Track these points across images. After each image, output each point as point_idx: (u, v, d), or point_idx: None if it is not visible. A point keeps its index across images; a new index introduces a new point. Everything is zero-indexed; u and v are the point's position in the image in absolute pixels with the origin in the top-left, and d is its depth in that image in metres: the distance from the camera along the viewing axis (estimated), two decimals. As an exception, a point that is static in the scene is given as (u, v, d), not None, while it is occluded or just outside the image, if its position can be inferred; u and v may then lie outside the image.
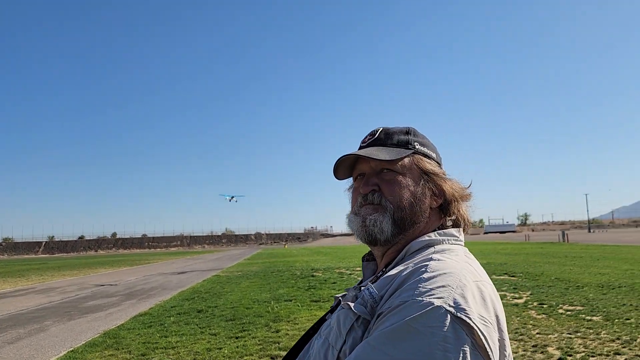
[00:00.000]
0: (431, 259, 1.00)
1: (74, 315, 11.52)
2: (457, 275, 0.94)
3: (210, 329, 8.49)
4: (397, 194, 1.11)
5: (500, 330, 0.95)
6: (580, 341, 6.58)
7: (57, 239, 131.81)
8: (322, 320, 1.19)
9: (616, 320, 7.75)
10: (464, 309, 0.87)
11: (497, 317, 0.95)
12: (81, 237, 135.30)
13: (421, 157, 1.17)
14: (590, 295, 10.38)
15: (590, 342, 6.53)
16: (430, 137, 1.25)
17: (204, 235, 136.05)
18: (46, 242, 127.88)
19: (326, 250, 53.06)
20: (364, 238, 1.13)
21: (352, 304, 0.99)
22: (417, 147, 1.17)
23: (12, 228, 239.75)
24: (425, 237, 1.11)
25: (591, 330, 7.14)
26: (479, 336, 0.87)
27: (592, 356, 5.88)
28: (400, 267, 1.02)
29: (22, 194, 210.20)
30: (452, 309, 0.87)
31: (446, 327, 0.85)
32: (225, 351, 6.84)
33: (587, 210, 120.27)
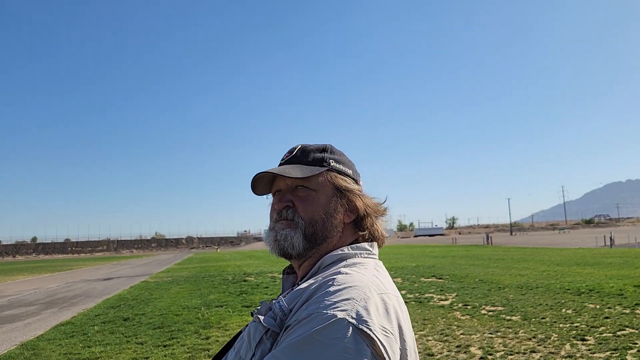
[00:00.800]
0: (339, 273, 1.04)
1: (-14, 326, 10.78)
2: (362, 288, 0.99)
3: (136, 338, 8.21)
4: (309, 210, 1.16)
5: (402, 340, 0.99)
6: (500, 340, 6.92)
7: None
8: (240, 332, 1.21)
9: (533, 319, 8.21)
10: (366, 321, 0.92)
11: (400, 327, 1.00)
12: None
13: (336, 174, 1.21)
14: (511, 296, 10.94)
15: (510, 341, 6.88)
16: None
17: (132, 240, 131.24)
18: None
19: (259, 254, 52.65)
20: (277, 252, 1.17)
21: (261, 317, 1.02)
22: (332, 164, 1.22)
23: None
24: (339, 251, 1.15)
25: (510, 330, 7.52)
26: (379, 347, 0.92)
27: (511, 354, 6.19)
28: (310, 281, 1.06)
29: None
30: (354, 321, 0.91)
31: (347, 339, 0.89)
32: (152, 360, 6.64)
33: (510, 214, 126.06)
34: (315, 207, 1.16)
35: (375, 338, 0.92)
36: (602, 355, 6.00)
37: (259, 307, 1.15)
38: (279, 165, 1.25)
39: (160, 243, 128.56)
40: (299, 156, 1.23)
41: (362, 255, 1.16)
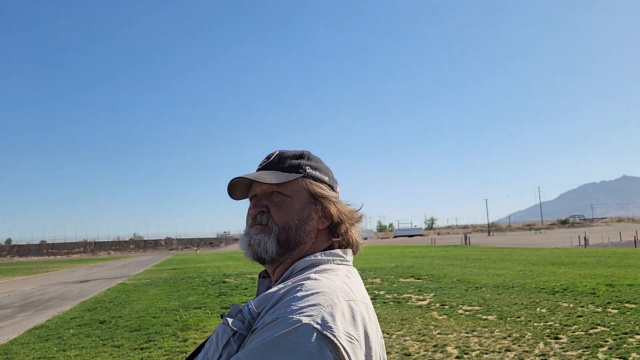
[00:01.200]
0: (308, 279, 1.06)
1: (-42, 330, 10.54)
2: (330, 294, 1.00)
3: (113, 341, 8.12)
4: (283, 216, 1.17)
5: (368, 347, 1.01)
6: (476, 339, 7.02)
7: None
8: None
9: (508, 318, 8.35)
10: (331, 327, 0.94)
11: (366, 334, 1.01)
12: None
13: (311, 180, 1.23)
14: (487, 295, 11.09)
15: (485, 340, 6.99)
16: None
17: (110, 241, 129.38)
18: None
19: (239, 255, 52.31)
20: (251, 257, 1.19)
21: (230, 320, 1.03)
22: (307, 170, 1.23)
23: None
24: (311, 257, 1.16)
25: (486, 329, 7.63)
26: (342, 353, 0.93)
27: (486, 353, 6.29)
28: (280, 285, 1.08)
29: None
30: (318, 327, 0.93)
31: (311, 344, 0.91)
32: (129, 363, 6.58)
33: (487, 215, 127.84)
34: (289, 213, 1.18)
35: (338, 344, 0.93)
36: (574, 353, 6.14)
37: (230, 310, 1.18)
38: (257, 170, 1.27)
39: (139, 244, 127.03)
40: (276, 162, 1.24)
41: (335, 261, 1.17)
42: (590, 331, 7.18)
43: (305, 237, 1.18)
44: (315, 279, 1.06)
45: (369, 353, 1.01)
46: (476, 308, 9.52)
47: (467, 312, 9.11)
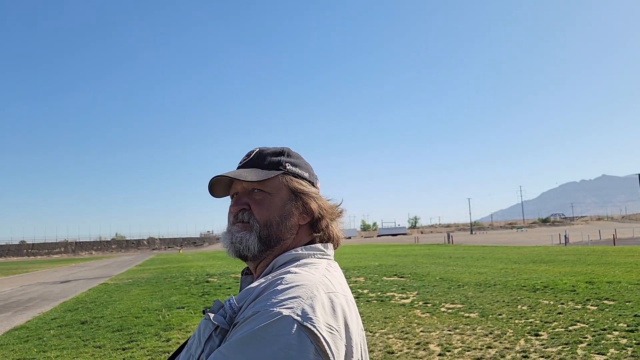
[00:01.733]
0: (288, 272, 1.08)
1: None
2: (309, 287, 1.02)
3: (94, 341, 8.04)
4: (264, 213, 1.19)
5: (348, 338, 1.02)
6: (458, 337, 7.09)
7: None
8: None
9: (490, 316, 8.45)
10: (311, 318, 0.96)
11: (346, 325, 1.03)
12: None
13: (292, 177, 1.24)
14: (470, 293, 11.21)
15: (467, 337, 7.06)
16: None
17: (92, 241, 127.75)
18: None
19: (222, 254, 52.07)
20: (233, 254, 1.21)
21: (211, 315, 1.05)
22: (288, 167, 1.24)
23: None
24: (292, 252, 1.18)
25: (468, 327, 7.71)
26: (323, 343, 0.95)
27: (468, 350, 6.36)
28: (261, 280, 1.10)
29: None
30: (299, 318, 0.95)
31: (291, 335, 0.93)
32: (111, 364, 6.52)
33: (470, 214, 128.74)
34: (270, 210, 1.19)
35: (319, 334, 0.95)
36: (554, 349, 6.23)
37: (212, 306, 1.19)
38: (237, 168, 1.28)
39: (121, 244, 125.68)
40: (256, 159, 1.25)
41: (316, 255, 1.19)
42: (570, 328, 7.29)
43: (286, 233, 1.20)
44: (295, 272, 1.08)
45: (349, 344, 1.02)
46: (458, 306, 9.62)
47: (449, 310, 9.20)
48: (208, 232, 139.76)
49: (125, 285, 18.77)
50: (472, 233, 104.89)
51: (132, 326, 9.16)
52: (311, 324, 0.95)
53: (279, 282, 1.04)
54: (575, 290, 10.72)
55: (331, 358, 0.96)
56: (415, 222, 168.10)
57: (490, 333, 7.22)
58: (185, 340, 1.24)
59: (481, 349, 6.39)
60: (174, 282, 18.37)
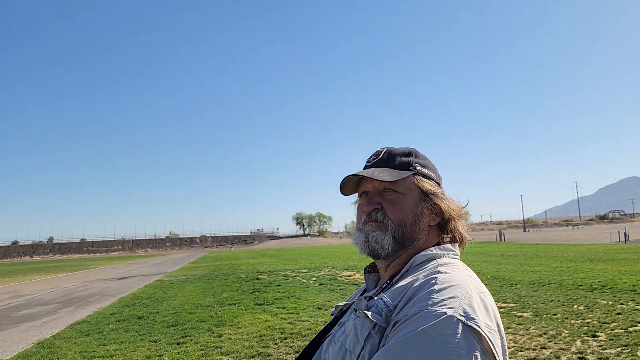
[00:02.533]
0: (439, 272, 1.10)
1: (5, 325, 11.02)
2: (464, 287, 1.04)
3: (150, 336, 8.35)
4: (398, 214, 1.21)
5: (502, 337, 1.05)
6: (511, 337, 6.94)
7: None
8: (327, 329, 1.27)
9: (544, 315, 8.21)
10: (473, 318, 0.98)
11: (498, 325, 1.05)
12: (15, 243, 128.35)
13: (421, 177, 1.25)
14: (522, 292, 10.92)
15: (520, 337, 6.90)
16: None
17: (147, 239, 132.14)
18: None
19: (272, 252, 52.90)
20: (367, 252, 1.23)
21: (369, 313, 1.07)
22: (417, 168, 1.26)
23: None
24: (428, 252, 1.20)
25: (521, 326, 7.53)
26: (487, 342, 0.97)
27: (521, 351, 6.21)
28: (409, 279, 1.12)
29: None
30: (462, 318, 0.96)
31: (459, 335, 0.95)
32: (166, 358, 6.76)
33: (523, 211, 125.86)
34: (403, 210, 1.21)
35: (483, 334, 0.97)
36: (612, 351, 6.00)
37: (345, 303, 1.26)
38: (365, 167, 1.31)
39: (175, 242, 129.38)
40: (386, 159, 1.27)
41: (449, 255, 1.22)
42: (630, 329, 7.00)
43: (419, 233, 1.22)
44: (445, 272, 1.09)
45: (503, 343, 1.05)
46: (511, 305, 9.40)
47: (501, 309, 9.00)
48: (258, 230, 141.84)
49: (179, 282, 19.35)
50: (524, 230, 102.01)
51: (186, 322, 9.45)
52: (475, 324, 0.97)
53: (433, 281, 1.05)
54: (635, 290, 10.26)
55: (496, 357, 0.98)
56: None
57: (545, 333, 7.02)
58: (315, 338, 1.27)
59: (535, 349, 6.22)
60: (225, 279, 18.79)
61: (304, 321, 8.77)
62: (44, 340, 8.74)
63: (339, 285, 14.09)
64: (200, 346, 7.36)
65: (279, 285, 15.14)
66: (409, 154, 1.28)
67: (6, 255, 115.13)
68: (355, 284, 14.13)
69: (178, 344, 7.63)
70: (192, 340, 7.82)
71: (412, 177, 1.24)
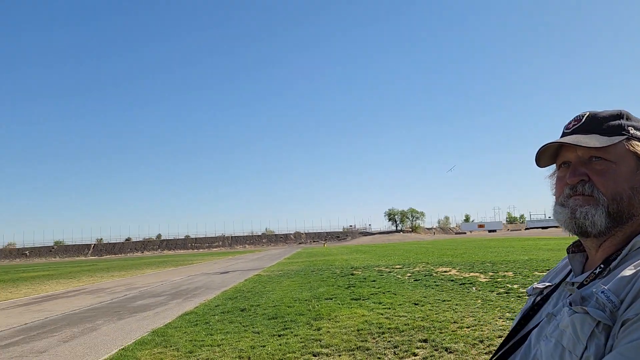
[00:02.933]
0: None
1: (123, 314, 11.97)
2: None
3: (253, 327, 8.71)
4: (610, 185, 1.03)
5: None
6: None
7: (105, 241, 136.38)
8: (527, 316, 1.19)
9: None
10: None
11: None
12: (128, 239, 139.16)
13: (637, 142, 1.05)
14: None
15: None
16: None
17: (245, 236, 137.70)
18: (95, 244, 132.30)
19: (365, 248, 53.03)
20: (574, 230, 1.08)
21: (588, 309, 0.92)
22: (631, 131, 1.06)
23: (63, 231, 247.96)
24: None
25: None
26: None
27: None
28: (634, 269, 0.93)
29: (72, 198, 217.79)
30: None
31: None
32: (269, 349, 7.03)
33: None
34: (617, 181, 1.02)
35: None
36: None
37: (538, 285, 1.18)
38: (563, 134, 1.14)
39: (270, 238, 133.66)
40: (590, 124, 1.09)
41: None
42: None
43: (639, 208, 1.02)
44: None
45: None
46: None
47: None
48: (350, 226, 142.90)
49: (276, 276, 19.92)
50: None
51: (286, 314, 9.76)
52: None
53: None
54: None
55: None
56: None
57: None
58: (516, 326, 1.18)
59: None
60: (320, 275, 19.10)
61: (400, 316, 8.75)
62: (158, 329, 9.40)
63: (435, 282, 13.85)
64: (300, 338, 7.57)
65: (373, 281, 15.17)
66: (618, 116, 1.08)
67: (120, 251, 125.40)
68: (452, 280, 13.84)
69: (279, 335, 7.89)
70: (292, 332, 8.06)
71: (625, 142, 1.04)
